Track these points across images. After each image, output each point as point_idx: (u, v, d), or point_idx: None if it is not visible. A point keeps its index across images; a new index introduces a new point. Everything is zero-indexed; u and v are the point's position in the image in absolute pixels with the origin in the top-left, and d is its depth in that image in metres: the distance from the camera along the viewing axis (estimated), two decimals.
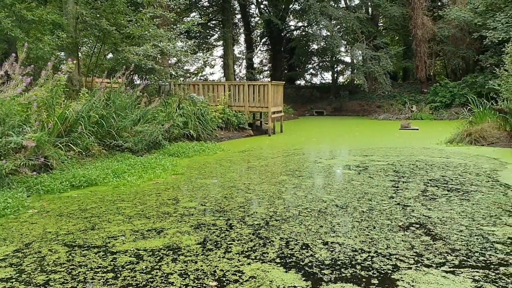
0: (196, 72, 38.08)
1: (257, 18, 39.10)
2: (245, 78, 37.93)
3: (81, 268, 3.97)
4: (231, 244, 4.58)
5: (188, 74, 24.60)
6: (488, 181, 7.81)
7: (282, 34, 37.01)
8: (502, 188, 7.22)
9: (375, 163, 9.89)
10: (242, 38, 40.79)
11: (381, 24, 37.88)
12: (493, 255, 4.16)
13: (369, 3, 33.38)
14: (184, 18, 29.30)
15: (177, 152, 11.29)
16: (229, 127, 16.53)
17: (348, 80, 38.49)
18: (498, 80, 13.48)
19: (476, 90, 25.55)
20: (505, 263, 3.97)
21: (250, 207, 6.11)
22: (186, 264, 4.04)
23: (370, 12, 35.19)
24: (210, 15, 36.20)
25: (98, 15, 12.87)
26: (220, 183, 7.86)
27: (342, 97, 33.05)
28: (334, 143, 14.71)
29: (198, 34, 31.61)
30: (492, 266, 3.90)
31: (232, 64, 30.50)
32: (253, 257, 4.18)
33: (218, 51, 40.88)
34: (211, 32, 36.29)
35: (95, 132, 10.03)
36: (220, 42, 35.92)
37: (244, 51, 39.66)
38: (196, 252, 4.36)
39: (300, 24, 38.29)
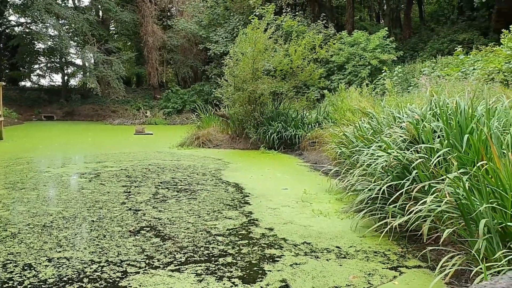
0: None
1: None
2: None
3: None
4: None
5: None
6: (213, 179, 8.58)
7: (0, 29, 32.59)
8: (224, 185, 8.04)
9: (108, 169, 9.66)
10: None
11: (113, 28, 37.59)
12: (215, 248, 4.54)
13: (99, 6, 32.64)
14: None
15: None
16: None
17: (81, 83, 36.78)
18: (220, 89, 15.01)
19: (204, 98, 28.02)
20: (224, 253, 4.38)
21: None
22: None
23: (101, 15, 34.46)
24: None
25: None
26: None
27: (74, 101, 31.37)
28: (65, 150, 13.74)
29: None
30: (213, 258, 4.25)
31: None
32: None
33: None
34: None
35: None
36: None
37: None
38: None
39: (22, 20, 34.41)
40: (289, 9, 23.97)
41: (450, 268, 3.44)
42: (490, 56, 12.69)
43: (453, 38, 22.23)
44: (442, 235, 3.67)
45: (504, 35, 13.31)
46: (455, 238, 3.94)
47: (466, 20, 25.10)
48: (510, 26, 13.37)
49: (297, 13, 23.93)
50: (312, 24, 22.38)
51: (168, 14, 34.45)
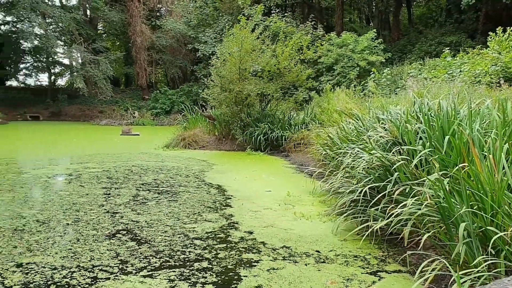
0: None
1: None
2: None
3: None
4: None
5: None
6: (196, 181, 8.43)
7: None
8: (206, 187, 7.89)
9: (90, 170, 9.46)
10: None
11: (101, 28, 37.28)
12: (192, 252, 4.40)
13: (87, 5, 32.33)
14: None
15: None
16: None
17: (68, 83, 36.39)
18: (207, 90, 14.86)
19: (192, 98, 27.83)
20: (200, 258, 4.23)
21: None
22: None
23: (89, 14, 34.13)
24: None
25: None
26: None
27: (61, 101, 30.98)
28: (49, 150, 13.49)
29: None
30: (189, 263, 4.10)
31: None
32: None
33: None
34: None
35: None
36: None
37: None
38: None
39: (9, 18, 33.94)
40: (278, 10, 23.89)
41: (430, 273, 3.33)
42: (477, 58, 12.70)
43: (441, 41, 22.32)
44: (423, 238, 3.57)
45: (491, 37, 13.34)
46: (436, 242, 3.84)
47: (454, 22, 25.24)
48: (497, 28, 13.41)
49: (286, 14, 23.84)
50: (301, 25, 22.32)
51: (157, 14, 34.23)
